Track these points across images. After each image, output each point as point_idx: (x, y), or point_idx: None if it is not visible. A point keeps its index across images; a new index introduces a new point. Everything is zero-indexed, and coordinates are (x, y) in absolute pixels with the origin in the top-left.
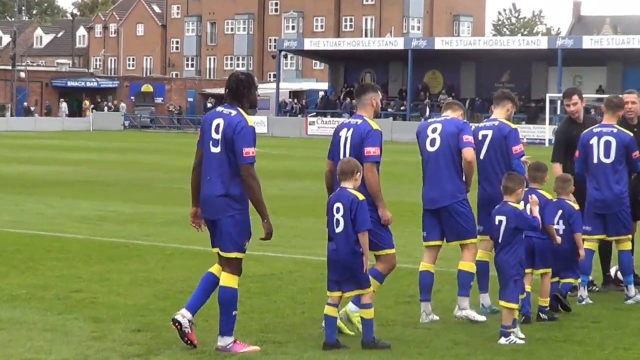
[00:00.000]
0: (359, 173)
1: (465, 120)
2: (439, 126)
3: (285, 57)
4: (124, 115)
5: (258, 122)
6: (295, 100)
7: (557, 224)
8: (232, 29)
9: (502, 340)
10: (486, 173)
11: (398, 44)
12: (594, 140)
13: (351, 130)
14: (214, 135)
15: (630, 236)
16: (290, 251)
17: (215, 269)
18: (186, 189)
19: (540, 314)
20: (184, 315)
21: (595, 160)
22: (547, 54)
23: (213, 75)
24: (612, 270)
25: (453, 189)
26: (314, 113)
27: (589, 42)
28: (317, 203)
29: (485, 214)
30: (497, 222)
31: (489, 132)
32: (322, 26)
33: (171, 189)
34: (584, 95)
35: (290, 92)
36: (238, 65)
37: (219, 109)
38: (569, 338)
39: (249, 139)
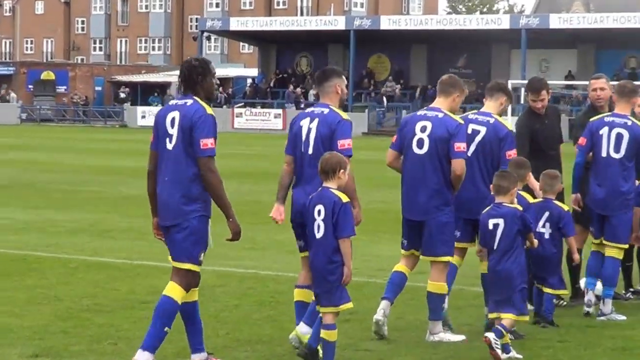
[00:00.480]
0: (342, 170)
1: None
2: (429, 126)
3: (209, 39)
4: (21, 107)
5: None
6: (220, 89)
7: (543, 227)
8: (146, 6)
9: (504, 356)
10: (467, 174)
11: (338, 23)
12: (604, 131)
13: (316, 120)
14: (170, 130)
15: (627, 246)
16: (212, 262)
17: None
18: (95, 192)
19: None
20: None
21: (603, 154)
22: (509, 35)
23: (125, 60)
24: (582, 283)
25: (436, 201)
26: (242, 103)
27: (557, 21)
28: (243, 208)
29: (457, 220)
30: (491, 227)
31: (482, 129)
32: (250, 3)
33: (76, 192)
34: (550, 82)
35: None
36: (154, 49)
37: (172, 102)
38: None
39: (207, 129)
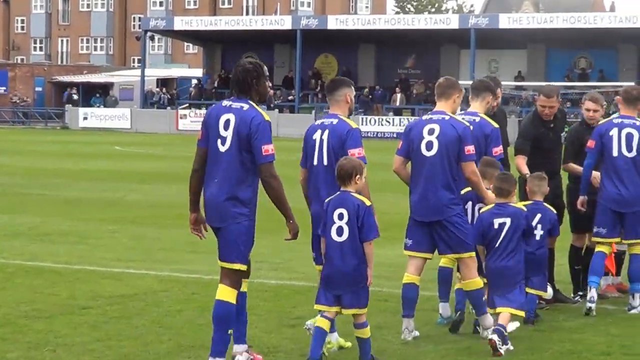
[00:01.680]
0: (358, 175)
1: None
2: (437, 128)
3: (152, 38)
4: None
5: (119, 115)
6: (164, 90)
7: (535, 228)
8: (88, 5)
9: (503, 348)
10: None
11: (285, 23)
12: (614, 132)
13: (327, 132)
14: (222, 132)
15: None
16: (155, 267)
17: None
18: (36, 194)
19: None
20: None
21: (615, 153)
22: (458, 35)
23: (66, 60)
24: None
25: (449, 200)
26: (186, 105)
27: (506, 21)
28: (187, 211)
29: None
30: (497, 226)
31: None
32: (195, 2)
33: (16, 195)
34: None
35: (157, 80)
36: (96, 49)
37: (226, 103)
38: None
39: (268, 135)
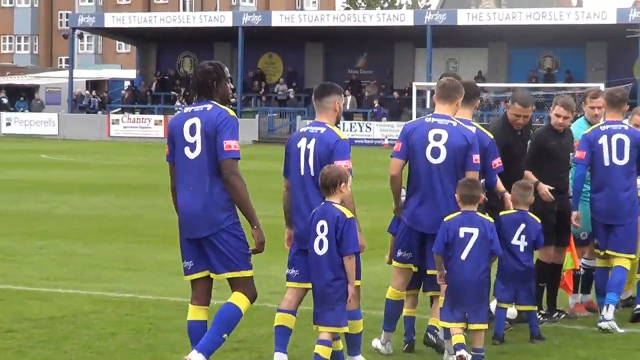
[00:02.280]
0: (343, 183)
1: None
2: (444, 134)
3: (81, 37)
4: None
5: (46, 120)
6: (94, 93)
7: (519, 239)
8: (10, 1)
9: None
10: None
11: (225, 19)
12: (603, 140)
13: (313, 141)
14: (189, 139)
15: (634, 256)
16: (86, 286)
17: (194, 313)
18: None
19: (429, 334)
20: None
21: (606, 163)
22: (413, 32)
23: None
24: (492, 305)
25: (452, 210)
26: (119, 109)
27: (465, 18)
28: (121, 224)
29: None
30: (462, 235)
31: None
32: None
33: None
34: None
35: (87, 82)
36: (19, 48)
37: (187, 109)
38: None
39: (231, 131)
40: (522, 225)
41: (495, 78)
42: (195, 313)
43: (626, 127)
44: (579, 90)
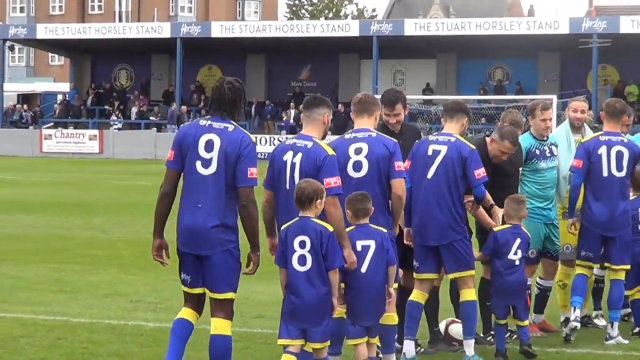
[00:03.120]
0: (319, 200)
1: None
2: (365, 146)
3: (12, 49)
4: None
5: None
6: (26, 107)
7: (515, 254)
8: None
9: None
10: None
11: (163, 30)
12: (602, 150)
13: (300, 155)
14: (204, 154)
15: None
16: (15, 309)
17: (187, 313)
18: None
19: None
20: None
21: (605, 174)
22: (359, 43)
23: None
24: (442, 326)
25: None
26: (51, 124)
27: (412, 28)
28: (52, 244)
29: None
30: (360, 249)
31: (442, 149)
32: (60, 8)
33: None
34: (407, 97)
35: (18, 95)
36: None
37: (204, 122)
38: None
39: (254, 158)
40: (518, 240)
41: (444, 90)
42: (187, 313)
43: (625, 140)
44: (528, 102)
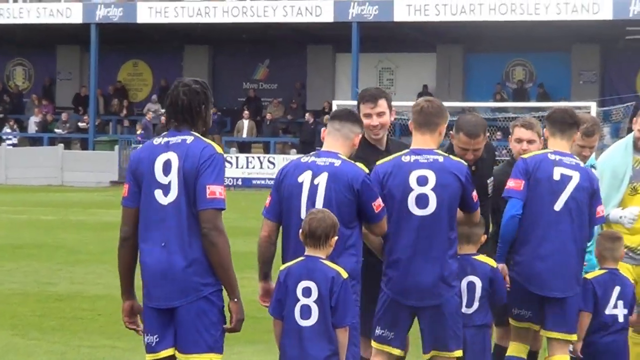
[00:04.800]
0: (335, 238)
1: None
2: (431, 175)
3: None
4: None
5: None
6: None
7: (615, 307)
8: None
9: None
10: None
11: (73, 14)
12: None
13: (326, 175)
14: (161, 179)
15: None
16: None
17: None
18: None
19: None
20: None
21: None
22: (333, 32)
23: None
24: None
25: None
26: None
27: (405, 11)
28: None
29: None
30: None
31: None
32: None
33: None
34: (397, 103)
35: None
36: None
37: (159, 140)
38: None
39: (217, 172)
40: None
41: (447, 95)
42: None
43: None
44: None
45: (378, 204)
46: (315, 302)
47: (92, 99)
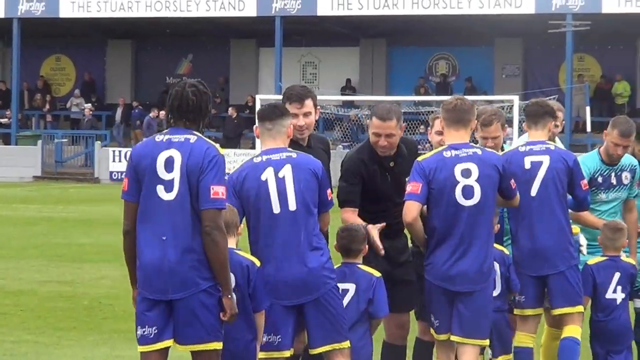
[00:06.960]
0: (241, 225)
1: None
2: (473, 167)
3: None
4: None
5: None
6: None
7: (615, 292)
8: None
9: None
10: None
11: None
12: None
13: (289, 167)
14: (164, 175)
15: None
16: None
17: None
18: None
19: None
20: None
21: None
22: (256, 26)
23: None
24: None
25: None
26: None
27: (328, 5)
28: None
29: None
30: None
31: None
32: None
33: None
34: (319, 97)
35: None
36: None
37: (160, 137)
38: None
39: (220, 174)
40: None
41: (370, 88)
42: None
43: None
44: (482, 105)
45: (330, 192)
46: (234, 290)
47: (15, 93)
